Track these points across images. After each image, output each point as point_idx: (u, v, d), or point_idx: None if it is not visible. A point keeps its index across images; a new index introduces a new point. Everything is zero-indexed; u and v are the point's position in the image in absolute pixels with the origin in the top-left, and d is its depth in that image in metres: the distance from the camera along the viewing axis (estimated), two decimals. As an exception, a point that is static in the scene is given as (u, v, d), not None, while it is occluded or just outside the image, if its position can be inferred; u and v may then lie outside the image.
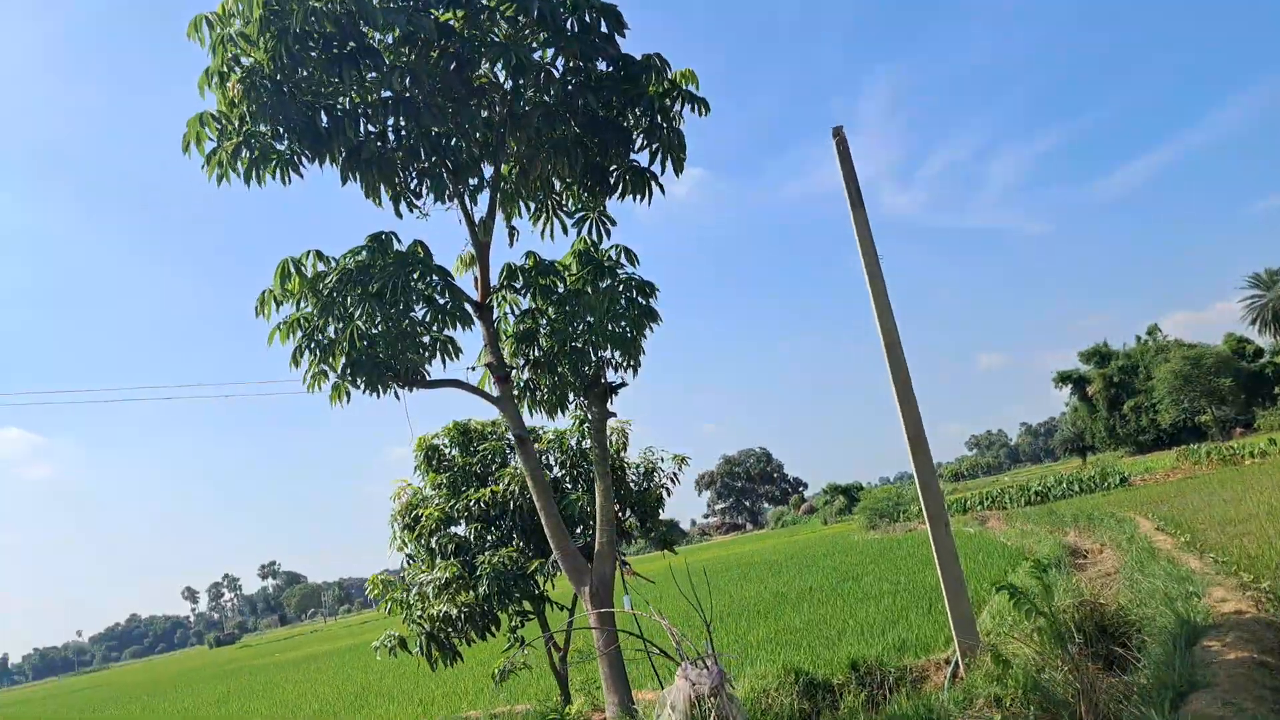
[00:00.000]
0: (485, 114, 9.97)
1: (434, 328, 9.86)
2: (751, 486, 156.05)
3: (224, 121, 9.36)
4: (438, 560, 12.33)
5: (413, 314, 9.66)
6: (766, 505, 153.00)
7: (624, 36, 10.33)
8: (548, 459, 13.80)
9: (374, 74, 9.37)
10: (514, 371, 10.87)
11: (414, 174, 9.90)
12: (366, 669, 34.37)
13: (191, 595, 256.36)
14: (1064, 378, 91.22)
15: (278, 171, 9.85)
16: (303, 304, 9.56)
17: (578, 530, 12.64)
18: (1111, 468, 51.37)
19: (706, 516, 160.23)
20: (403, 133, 9.63)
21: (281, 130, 9.61)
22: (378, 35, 9.64)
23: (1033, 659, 10.34)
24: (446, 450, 13.58)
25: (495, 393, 10.48)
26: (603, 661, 10.49)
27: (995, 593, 11.63)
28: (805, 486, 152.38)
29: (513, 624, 13.00)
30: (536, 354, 10.79)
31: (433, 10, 9.64)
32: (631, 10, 10.07)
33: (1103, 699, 9.46)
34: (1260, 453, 43.71)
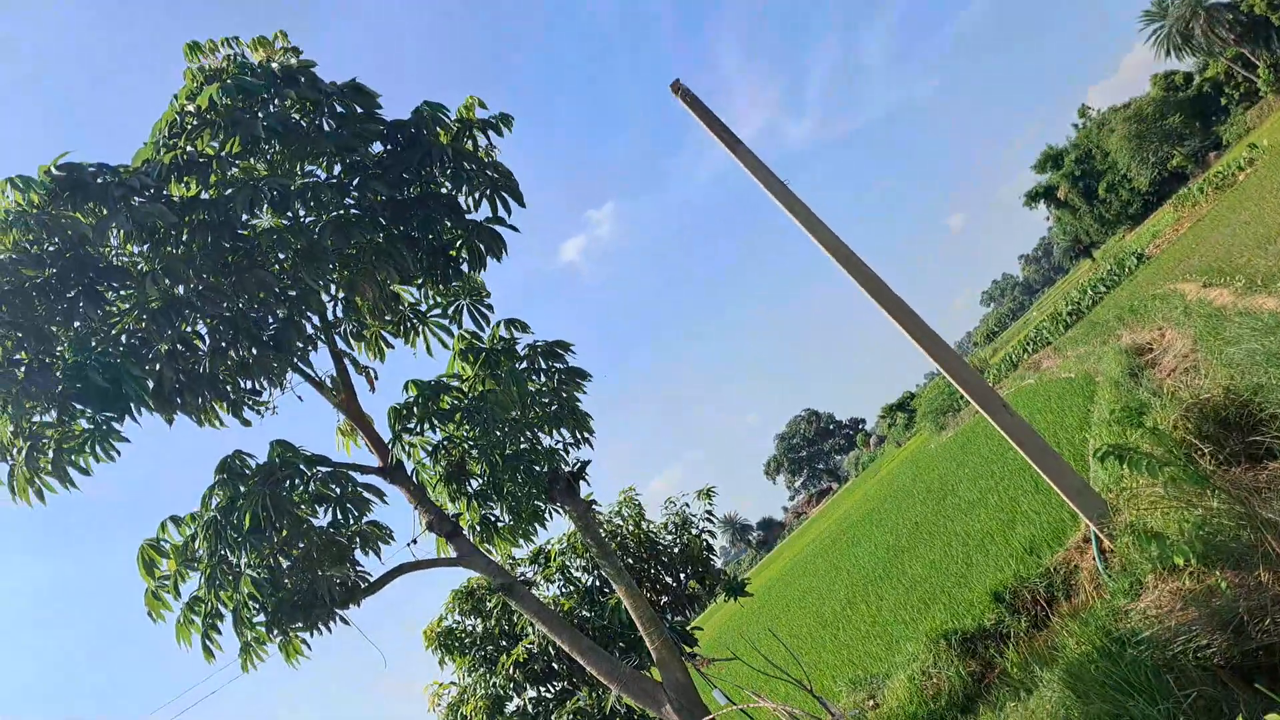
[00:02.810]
0: (276, 267, 8.31)
1: (345, 524, 8.11)
2: (816, 449, 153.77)
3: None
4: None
5: (310, 525, 7.91)
6: (839, 457, 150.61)
7: (380, 108, 8.77)
8: (571, 570, 12.00)
9: (125, 291, 7.74)
10: (460, 517, 9.11)
11: (231, 374, 8.19)
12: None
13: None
14: (1032, 196, 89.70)
15: (98, 450, 8.18)
16: (185, 581, 7.82)
17: (636, 637, 10.81)
18: (1122, 252, 49.58)
19: (792, 499, 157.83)
20: (192, 341, 7.96)
21: (72, 406, 7.96)
22: (115, 247, 8.05)
23: (1178, 509, 8.51)
24: (459, 626, 11.74)
25: (453, 553, 8.72)
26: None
27: (1099, 462, 9.79)
28: (864, 421, 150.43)
29: (630, 763, 11.12)
30: (474, 485, 9.02)
31: (166, 192, 8.07)
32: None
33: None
34: (1247, 162, 41.89)
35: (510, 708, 10.99)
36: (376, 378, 9.14)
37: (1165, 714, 6.15)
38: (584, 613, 11.48)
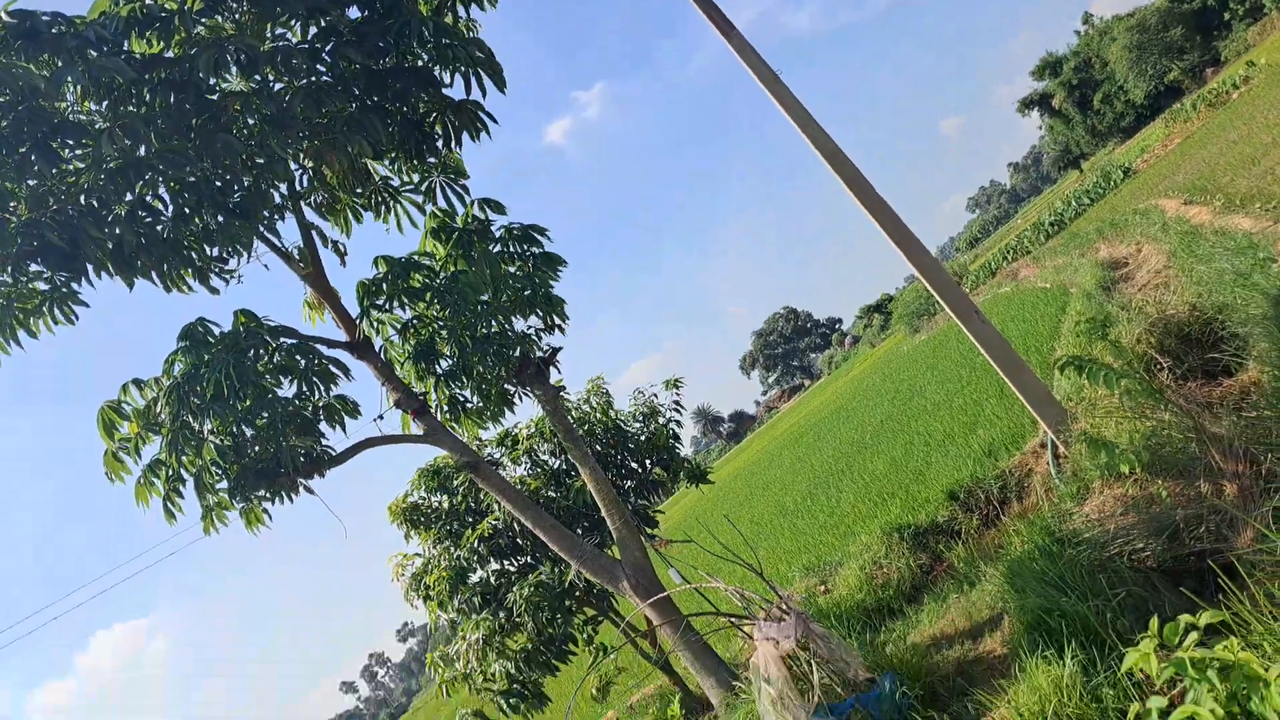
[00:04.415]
0: (243, 132, 8.07)
1: (311, 396, 8.13)
2: (792, 346, 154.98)
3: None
4: (473, 618, 10.81)
5: (275, 396, 7.91)
6: (814, 355, 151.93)
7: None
8: (538, 454, 12.18)
9: (82, 149, 7.50)
10: (427, 395, 9.15)
11: (196, 240, 8.04)
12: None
13: (350, 688, 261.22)
14: (1027, 103, 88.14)
15: (56, 312, 8.10)
16: (147, 444, 7.86)
17: (600, 517, 11.07)
18: (1110, 165, 49.21)
19: (765, 393, 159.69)
20: (153, 204, 7.78)
21: (27, 266, 7.83)
22: (70, 104, 7.77)
23: (1131, 420, 8.70)
24: (425, 502, 11.95)
25: (420, 430, 8.79)
26: (682, 652, 9.00)
27: (1059, 372, 9.94)
28: (840, 321, 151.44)
29: (585, 636, 11.54)
30: (444, 365, 9.03)
31: (126, 48, 7.75)
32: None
33: (1227, 430, 7.85)
34: (1242, 80, 41.25)
35: (473, 579, 11.32)
36: (346, 253, 9.02)
37: (1094, 610, 6.42)
38: (549, 493, 11.72)
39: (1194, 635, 3.60)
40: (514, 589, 10.49)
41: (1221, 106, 40.14)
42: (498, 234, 9.26)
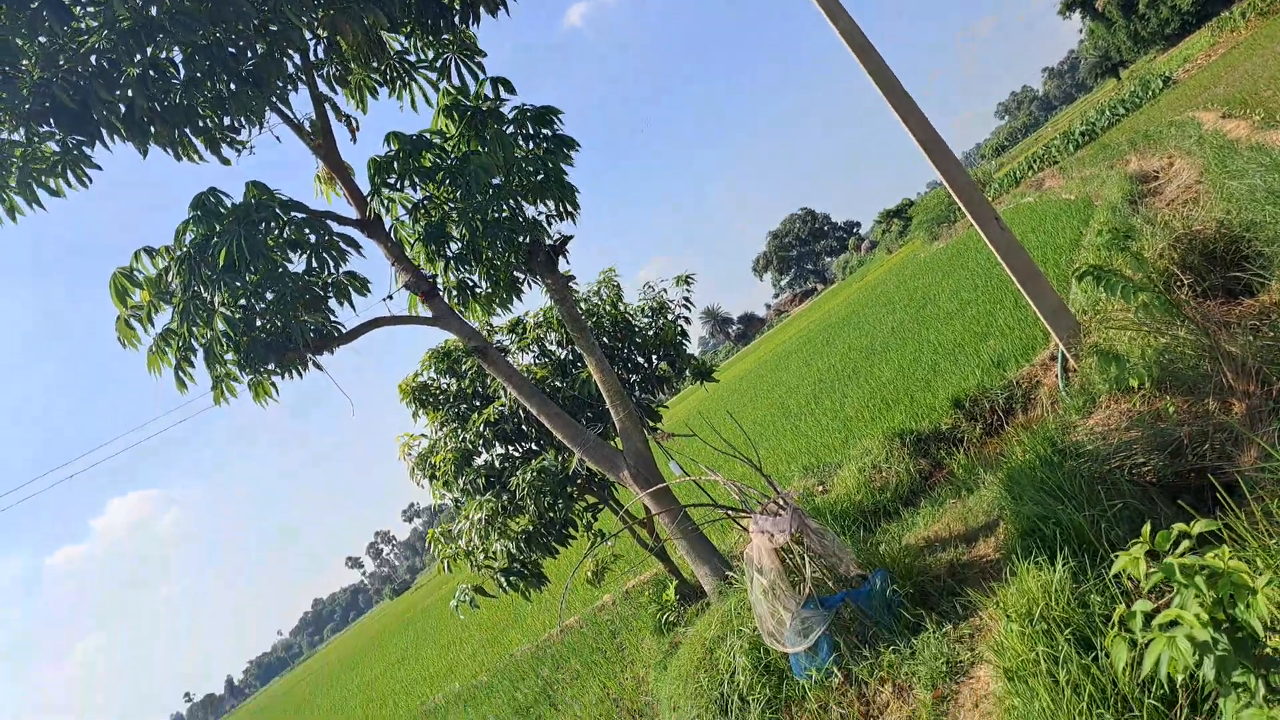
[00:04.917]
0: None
1: (321, 272, 8.10)
2: (807, 249, 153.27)
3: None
4: (476, 499, 11.02)
5: (287, 269, 7.88)
6: (829, 259, 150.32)
7: None
8: (546, 343, 12.20)
9: (96, 6, 7.29)
10: (437, 278, 9.10)
11: (209, 107, 7.87)
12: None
13: (355, 563, 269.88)
14: (1069, 4, 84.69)
15: (68, 175, 8.02)
16: (158, 313, 7.89)
17: (604, 409, 11.14)
18: (1149, 74, 47.57)
19: (776, 296, 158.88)
20: (165, 68, 7.59)
21: (38, 127, 7.72)
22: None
23: (1145, 336, 8.62)
24: (434, 383, 12.04)
25: (428, 312, 8.78)
26: (678, 540, 9.18)
27: (1077, 282, 9.80)
28: (859, 225, 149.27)
29: (585, 522, 11.78)
30: (454, 248, 8.94)
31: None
32: None
33: (1241, 349, 7.77)
34: (1299, -13, 39.46)
35: (478, 461, 11.49)
36: (359, 128, 8.83)
37: (1089, 520, 6.49)
38: (555, 383, 11.78)
39: (1186, 543, 3.63)
40: (517, 473, 10.66)
41: (1272, 15, 38.51)
42: (510, 115, 9.04)
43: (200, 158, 8.21)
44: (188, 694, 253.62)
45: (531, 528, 10.62)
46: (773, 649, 7.39)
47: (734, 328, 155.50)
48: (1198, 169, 16.86)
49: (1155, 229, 12.44)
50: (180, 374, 7.72)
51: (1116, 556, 3.95)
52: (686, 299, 12.39)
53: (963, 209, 10.86)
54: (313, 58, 8.80)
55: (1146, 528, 3.89)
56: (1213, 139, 17.56)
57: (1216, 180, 13.92)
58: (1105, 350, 8.59)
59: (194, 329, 7.47)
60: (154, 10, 7.36)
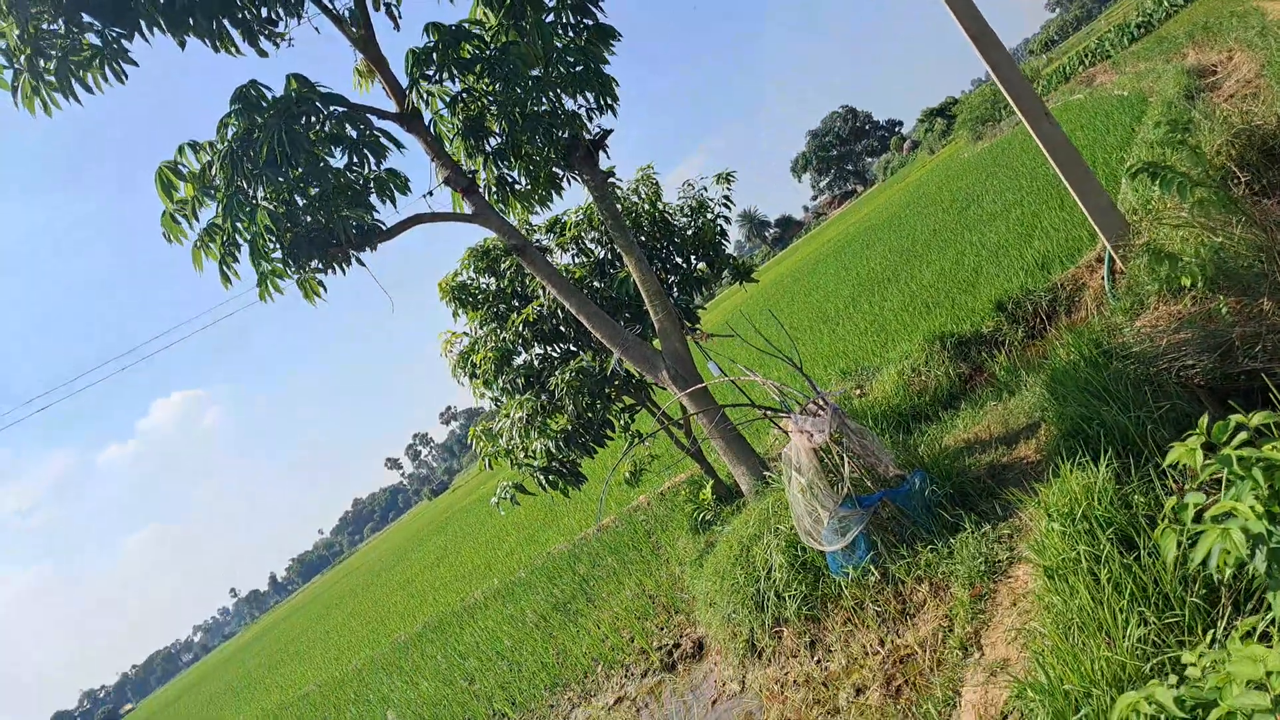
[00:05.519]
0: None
1: (361, 168, 8.05)
2: (848, 149, 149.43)
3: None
4: (516, 398, 11.14)
5: (327, 165, 7.84)
6: (869, 160, 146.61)
7: None
8: (585, 242, 12.12)
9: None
10: (476, 174, 9.01)
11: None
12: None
13: (394, 464, 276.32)
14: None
15: (106, 69, 7.97)
16: (203, 207, 7.91)
17: (642, 310, 11.11)
18: (1213, -38, 45.05)
19: (815, 199, 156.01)
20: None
21: (79, 18, 7.64)
22: None
23: (1199, 234, 8.38)
24: (474, 282, 12.04)
25: (468, 209, 8.73)
26: (715, 440, 9.25)
27: (1130, 179, 9.49)
28: (901, 124, 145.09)
29: (622, 423, 11.90)
30: (493, 143, 8.82)
31: None
32: None
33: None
34: None
35: (517, 361, 11.58)
36: (400, 15, 8.62)
37: (1134, 421, 6.43)
38: (594, 283, 11.76)
39: (1243, 435, 3.59)
40: (556, 373, 10.74)
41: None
42: (550, 3, 8.79)
43: (238, 50, 8.11)
44: (233, 589, 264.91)
45: (570, 427, 10.74)
46: (809, 547, 7.50)
47: (771, 231, 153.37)
48: (1259, 62, 16.12)
49: (1213, 124, 11.98)
50: (224, 269, 7.78)
51: (1169, 449, 3.91)
52: (726, 198, 12.21)
53: (1011, 104, 10.49)
54: (349, -57, 8.57)
55: (1203, 419, 3.84)
56: (1276, 30, 16.73)
57: (1279, 73, 13.35)
58: (1157, 249, 8.37)
59: (238, 224, 7.50)
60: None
